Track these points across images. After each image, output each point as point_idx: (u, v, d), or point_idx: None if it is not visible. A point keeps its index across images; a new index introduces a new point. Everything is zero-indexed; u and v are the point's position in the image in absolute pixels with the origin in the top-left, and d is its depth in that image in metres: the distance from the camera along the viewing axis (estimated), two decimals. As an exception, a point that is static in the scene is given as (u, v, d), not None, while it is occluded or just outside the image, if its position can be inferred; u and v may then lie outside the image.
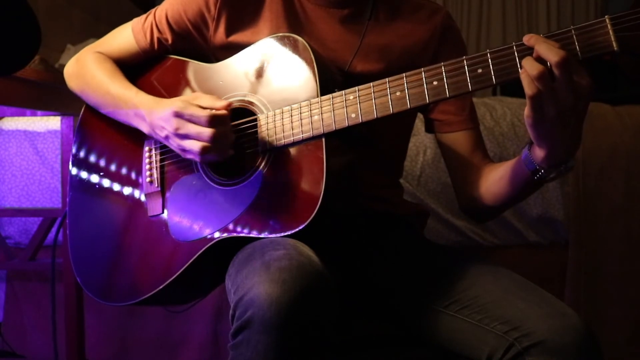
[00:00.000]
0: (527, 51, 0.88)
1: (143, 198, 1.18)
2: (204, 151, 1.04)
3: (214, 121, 1.03)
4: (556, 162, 0.96)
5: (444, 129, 1.21)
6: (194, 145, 1.04)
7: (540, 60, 0.86)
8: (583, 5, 4.88)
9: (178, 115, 1.05)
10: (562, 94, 0.86)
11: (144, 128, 1.15)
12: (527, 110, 0.89)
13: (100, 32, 1.40)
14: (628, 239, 1.90)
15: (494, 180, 1.12)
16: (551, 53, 0.84)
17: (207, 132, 1.03)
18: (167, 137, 1.09)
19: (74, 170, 1.28)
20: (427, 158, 1.89)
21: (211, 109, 1.05)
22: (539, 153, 0.96)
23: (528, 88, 0.86)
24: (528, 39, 0.87)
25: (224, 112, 1.05)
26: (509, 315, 0.97)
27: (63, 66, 1.34)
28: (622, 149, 1.92)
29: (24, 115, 1.88)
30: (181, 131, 1.05)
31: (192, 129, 1.04)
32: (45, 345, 1.91)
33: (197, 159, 1.07)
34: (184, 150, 1.07)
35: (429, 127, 1.25)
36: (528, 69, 0.86)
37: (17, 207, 1.96)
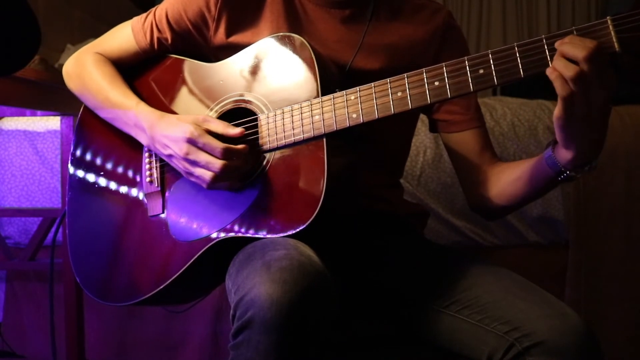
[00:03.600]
0: (530, 52, 0.87)
1: (143, 198, 1.18)
2: (213, 181, 1.04)
3: (228, 154, 1.03)
4: (582, 163, 0.94)
5: (450, 129, 1.20)
6: (205, 175, 1.03)
7: (569, 60, 0.84)
8: (584, 5, 4.88)
9: (191, 142, 1.04)
10: (594, 91, 0.85)
11: (143, 140, 1.15)
12: (557, 112, 0.88)
13: (100, 32, 1.40)
14: (628, 239, 1.90)
15: (509, 180, 1.11)
16: (577, 49, 0.83)
17: (219, 163, 1.02)
18: (170, 157, 1.09)
19: (73, 170, 1.27)
20: (427, 158, 1.89)
21: (225, 134, 1.05)
22: (565, 154, 0.94)
23: (561, 89, 0.85)
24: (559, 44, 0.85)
25: (243, 147, 1.04)
26: (509, 315, 0.97)
27: (63, 66, 1.34)
28: (622, 149, 1.92)
29: (24, 115, 1.88)
30: (191, 157, 1.04)
31: (203, 157, 1.03)
32: (45, 345, 1.91)
33: (204, 186, 1.06)
34: (190, 174, 1.07)
35: (433, 128, 1.25)
36: (563, 71, 0.84)
37: (17, 207, 1.96)
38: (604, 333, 1.84)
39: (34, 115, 1.87)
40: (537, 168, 1.03)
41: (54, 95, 1.65)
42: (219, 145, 1.03)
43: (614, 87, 0.86)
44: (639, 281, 1.89)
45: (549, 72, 0.85)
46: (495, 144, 1.89)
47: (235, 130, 1.05)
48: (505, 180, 1.12)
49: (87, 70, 1.24)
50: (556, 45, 0.85)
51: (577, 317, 0.94)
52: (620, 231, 1.90)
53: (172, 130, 1.07)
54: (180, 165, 1.08)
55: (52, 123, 1.97)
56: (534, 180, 1.05)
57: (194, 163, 1.04)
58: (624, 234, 1.90)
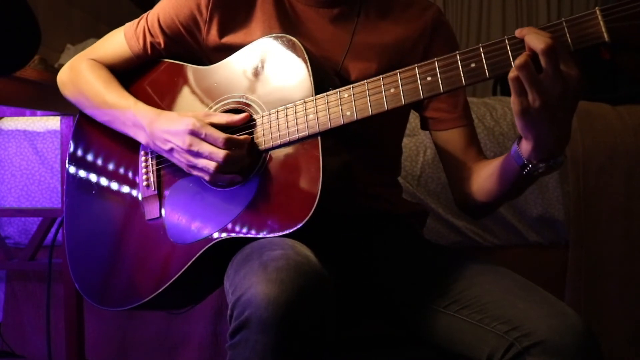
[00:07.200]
0: (519, 44, 0.88)
1: (140, 202, 1.18)
2: (216, 172, 1.04)
3: (230, 144, 1.03)
4: (544, 157, 0.95)
5: (438, 127, 1.22)
6: (208, 165, 1.04)
7: (531, 52, 0.86)
8: (583, 5, 4.88)
9: (194, 133, 1.05)
10: (549, 83, 0.85)
11: (142, 139, 1.15)
12: (512, 97, 0.89)
13: (100, 32, 1.40)
14: (628, 239, 1.90)
15: (485, 176, 1.12)
16: (537, 41, 0.84)
17: (222, 153, 1.03)
18: (171, 151, 1.09)
19: (69, 175, 1.27)
20: (427, 158, 1.89)
21: (229, 123, 1.06)
22: (526, 146, 0.95)
23: (510, 72, 0.87)
24: (519, 32, 0.88)
25: (245, 137, 1.05)
26: (509, 315, 0.97)
27: (63, 66, 1.34)
28: (622, 149, 1.92)
29: (23, 115, 1.88)
30: (194, 148, 1.05)
31: (206, 148, 1.04)
32: (45, 346, 1.91)
33: (207, 178, 1.06)
34: (193, 167, 1.07)
35: (424, 125, 1.26)
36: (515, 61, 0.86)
37: (17, 207, 1.96)
38: (604, 333, 1.84)
39: (34, 115, 1.87)
40: (506, 162, 1.03)
41: (54, 95, 1.64)
42: (221, 135, 1.03)
43: (575, 84, 0.86)
44: (639, 281, 1.88)
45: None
46: (495, 144, 1.90)
47: (239, 116, 1.07)
48: (483, 176, 1.13)
49: (81, 75, 1.24)
50: (525, 37, 0.86)
51: (577, 316, 0.94)
52: (620, 231, 1.89)
53: (174, 125, 1.08)
54: (182, 158, 1.08)
55: (52, 123, 1.97)
56: (504, 174, 1.05)
57: (197, 154, 1.05)
58: (624, 234, 1.89)
